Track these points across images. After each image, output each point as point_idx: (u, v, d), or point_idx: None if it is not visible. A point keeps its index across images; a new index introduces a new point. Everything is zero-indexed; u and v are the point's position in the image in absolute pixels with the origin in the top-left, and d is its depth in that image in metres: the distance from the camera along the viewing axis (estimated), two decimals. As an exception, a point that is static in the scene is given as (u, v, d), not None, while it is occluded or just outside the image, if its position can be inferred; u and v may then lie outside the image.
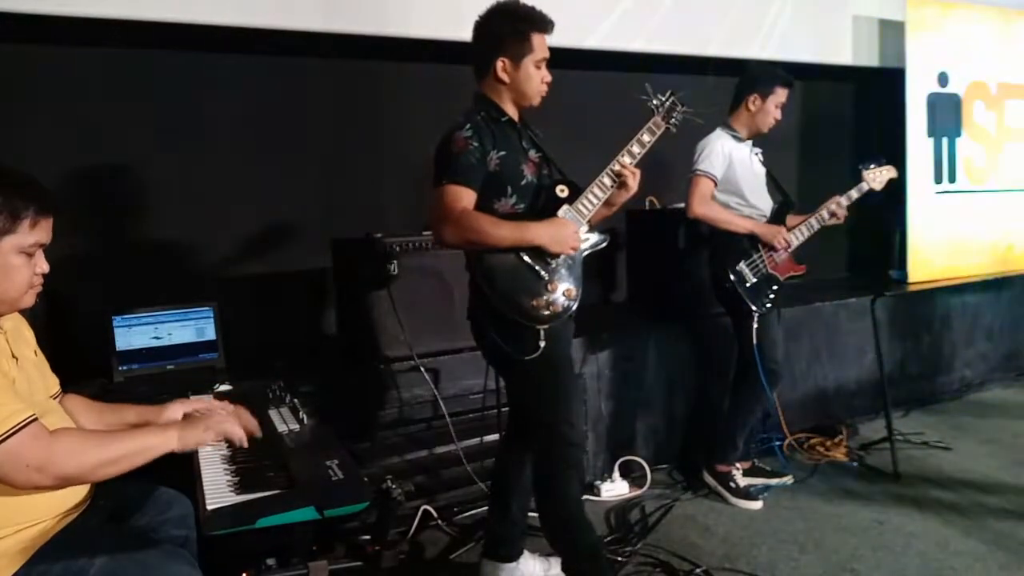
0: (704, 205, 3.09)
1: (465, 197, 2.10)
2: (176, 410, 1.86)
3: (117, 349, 2.70)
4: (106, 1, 2.80)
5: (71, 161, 2.96)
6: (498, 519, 2.54)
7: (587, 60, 3.91)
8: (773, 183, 3.26)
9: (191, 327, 2.81)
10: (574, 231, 2.17)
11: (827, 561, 2.72)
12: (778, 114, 3.17)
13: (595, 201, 2.21)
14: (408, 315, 2.99)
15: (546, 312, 2.14)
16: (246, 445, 1.64)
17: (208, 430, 1.59)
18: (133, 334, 2.73)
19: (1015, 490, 3.26)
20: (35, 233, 1.52)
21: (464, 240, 2.11)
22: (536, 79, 2.20)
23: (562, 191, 2.20)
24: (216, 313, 2.84)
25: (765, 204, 3.21)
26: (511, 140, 2.20)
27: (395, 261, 3.01)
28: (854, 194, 3.26)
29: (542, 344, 2.13)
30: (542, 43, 2.20)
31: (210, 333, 2.83)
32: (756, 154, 3.24)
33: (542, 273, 2.14)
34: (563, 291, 2.17)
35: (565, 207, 2.20)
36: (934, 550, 2.77)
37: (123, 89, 3.08)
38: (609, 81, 4.10)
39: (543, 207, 2.19)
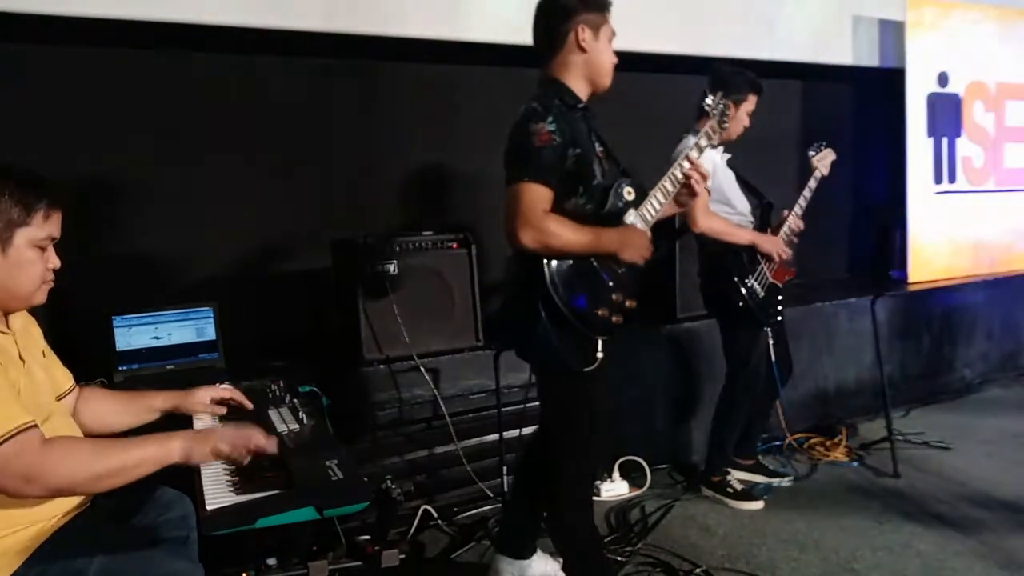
0: (709, 218, 3.01)
1: (546, 198, 1.99)
2: (204, 395, 1.88)
3: (117, 349, 2.70)
4: (106, 1, 2.80)
5: (71, 161, 2.96)
6: (517, 515, 2.52)
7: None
8: (744, 185, 3.20)
9: (191, 327, 2.81)
10: (646, 239, 2.10)
11: (827, 561, 2.72)
12: (748, 122, 3.11)
13: (658, 207, 2.15)
14: (408, 315, 2.99)
15: (609, 322, 2.08)
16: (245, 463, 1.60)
17: (215, 452, 1.53)
18: (133, 334, 2.73)
19: (1015, 490, 3.26)
20: (47, 226, 1.53)
21: (543, 245, 1.98)
22: (609, 56, 2.13)
23: (629, 194, 2.12)
24: (216, 313, 2.84)
25: (746, 208, 3.19)
26: (583, 134, 2.09)
27: (395, 261, 3.01)
28: (812, 184, 3.25)
29: (599, 355, 2.08)
30: (610, 21, 2.14)
31: (210, 333, 2.83)
32: (725, 158, 3.18)
33: (609, 282, 2.08)
34: (626, 301, 2.12)
35: (632, 212, 2.13)
36: (934, 550, 2.78)
37: (123, 89, 3.08)
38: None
39: (610, 209, 2.10)
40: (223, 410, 1.93)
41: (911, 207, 4.64)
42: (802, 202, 3.22)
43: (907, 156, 4.63)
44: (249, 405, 1.92)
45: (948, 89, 4.82)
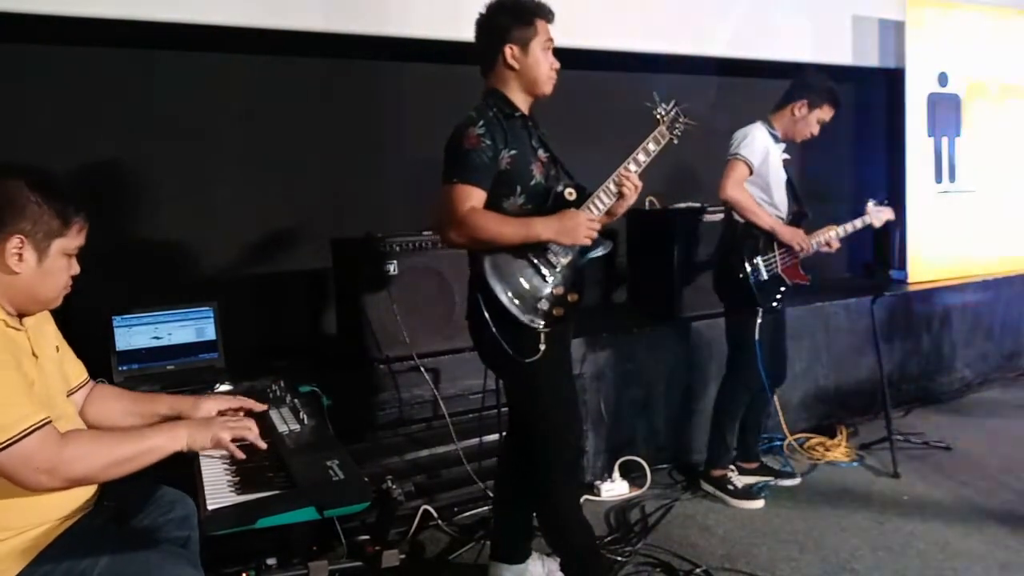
0: (737, 189, 3.04)
1: (473, 196, 2.08)
2: (211, 406, 1.88)
3: (117, 349, 2.70)
4: (106, 1, 2.80)
5: (71, 161, 2.95)
6: (504, 521, 2.54)
7: (585, 59, 3.91)
8: (791, 191, 3.23)
9: (191, 327, 2.81)
10: (585, 220, 2.13)
11: (827, 561, 2.72)
12: (816, 129, 3.15)
13: (601, 207, 2.20)
14: (408, 315, 2.99)
15: (550, 315, 2.14)
16: (243, 457, 1.64)
17: (215, 440, 1.60)
18: (133, 334, 2.72)
19: (1015, 490, 3.26)
20: (79, 238, 1.62)
21: (470, 239, 2.09)
22: (545, 64, 2.18)
23: (570, 194, 2.18)
24: (216, 313, 2.84)
25: (784, 205, 3.20)
26: (522, 138, 2.18)
27: (395, 261, 3.01)
28: (859, 224, 3.30)
29: (542, 347, 2.13)
30: (546, 28, 2.19)
31: (210, 333, 2.83)
32: (784, 158, 3.21)
33: (547, 276, 2.15)
34: (567, 295, 2.17)
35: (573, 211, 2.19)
36: (934, 550, 2.78)
37: (123, 89, 3.08)
38: (608, 81, 4.10)
39: (551, 209, 2.17)
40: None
41: (911, 207, 4.64)
42: (840, 231, 3.26)
43: (907, 156, 4.62)
44: (260, 408, 1.92)
45: (948, 89, 4.81)
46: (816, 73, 3.22)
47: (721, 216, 3.45)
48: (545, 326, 2.13)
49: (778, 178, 3.17)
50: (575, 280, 2.20)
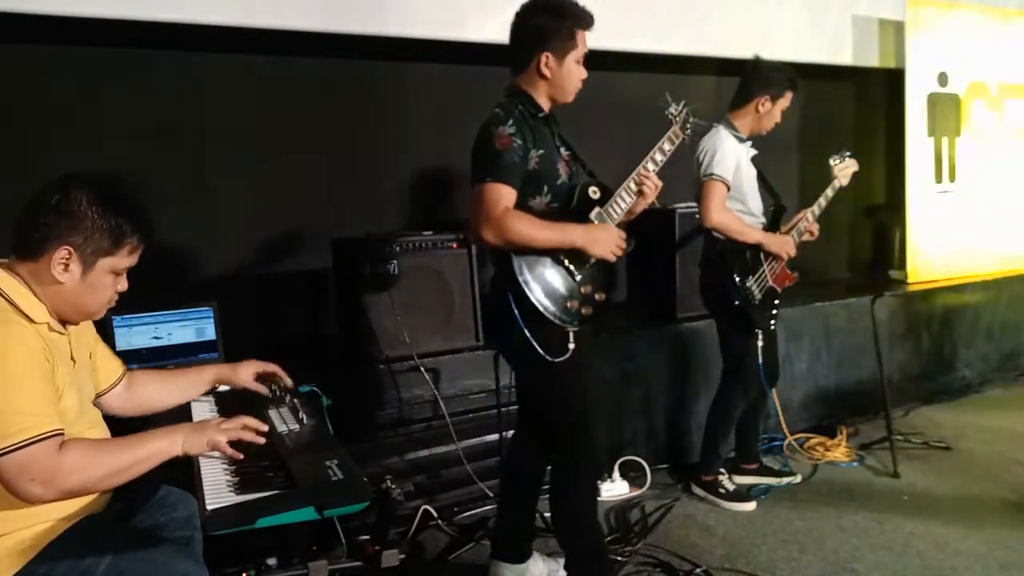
0: (722, 212, 2.96)
1: (507, 196, 2.07)
2: (249, 370, 1.98)
3: (117, 349, 2.69)
4: (106, 1, 2.80)
5: (71, 161, 2.95)
6: (508, 520, 2.53)
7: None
8: (764, 185, 3.18)
9: (191, 327, 2.81)
10: (616, 235, 2.17)
11: (827, 561, 2.72)
12: (780, 118, 3.12)
13: (624, 205, 2.22)
14: (408, 315, 3.00)
15: (579, 314, 2.15)
16: (241, 457, 1.63)
17: (211, 443, 1.59)
18: (133, 334, 2.72)
19: (1015, 490, 3.26)
20: (130, 259, 1.63)
21: (505, 241, 2.07)
22: (576, 76, 2.19)
23: (594, 193, 2.19)
24: (216, 313, 2.84)
25: (759, 208, 3.16)
26: (547, 138, 2.18)
27: (395, 261, 3.02)
28: (829, 192, 3.21)
29: (571, 347, 2.14)
30: (584, 40, 2.18)
31: (210, 333, 2.83)
32: (750, 154, 3.15)
33: (577, 275, 2.16)
34: (595, 293, 2.19)
35: (597, 209, 2.20)
36: (934, 550, 2.78)
37: (123, 89, 3.08)
38: (606, 81, 4.09)
39: (575, 207, 2.18)
40: (265, 390, 1.99)
41: (911, 207, 4.65)
42: (816, 209, 3.19)
43: (907, 156, 4.63)
44: (289, 382, 2.00)
45: (948, 89, 4.82)
46: (770, 65, 3.12)
47: None
48: (574, 325, 2.14)
49: (750, 180, 3.10)
50: (603, 279, 2.21)
